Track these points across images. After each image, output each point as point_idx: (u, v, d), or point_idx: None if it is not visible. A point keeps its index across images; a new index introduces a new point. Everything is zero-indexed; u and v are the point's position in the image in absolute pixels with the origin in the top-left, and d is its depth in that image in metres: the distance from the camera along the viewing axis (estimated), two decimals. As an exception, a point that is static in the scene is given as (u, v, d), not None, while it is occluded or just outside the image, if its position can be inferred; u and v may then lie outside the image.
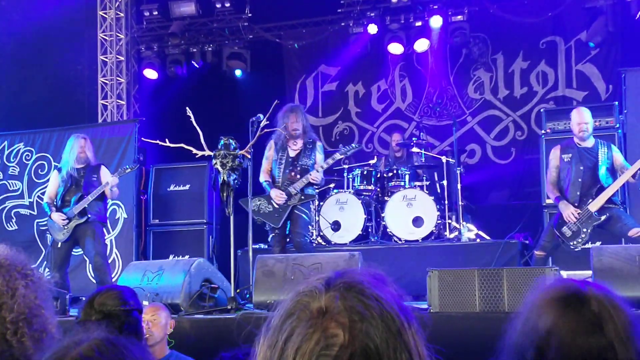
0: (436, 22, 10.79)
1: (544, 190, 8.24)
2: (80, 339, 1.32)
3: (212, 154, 6.74)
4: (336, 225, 8.97)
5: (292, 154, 7.41)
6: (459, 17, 10.83)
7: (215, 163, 6.70)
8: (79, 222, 7.65)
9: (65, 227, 7.64)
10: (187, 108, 7.01)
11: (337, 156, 7.72)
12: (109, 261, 8.49)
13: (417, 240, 8.78)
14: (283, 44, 11.96)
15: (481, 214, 9.87)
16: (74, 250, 8.01)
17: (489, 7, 10.60)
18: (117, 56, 11.70)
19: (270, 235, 7.46)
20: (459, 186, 9.08)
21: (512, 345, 1.65)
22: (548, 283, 1.70)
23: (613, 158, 6.90)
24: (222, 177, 6.68)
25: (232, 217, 6.82)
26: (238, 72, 11.86)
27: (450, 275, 5.70)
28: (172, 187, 9.85)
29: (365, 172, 9.22)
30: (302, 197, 7.30)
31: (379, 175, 9.34)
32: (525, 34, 10.93)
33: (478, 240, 8.94)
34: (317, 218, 8.95)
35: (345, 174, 9.43)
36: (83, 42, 11.86)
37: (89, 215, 7.65)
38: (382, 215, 9.02)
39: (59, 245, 7.71)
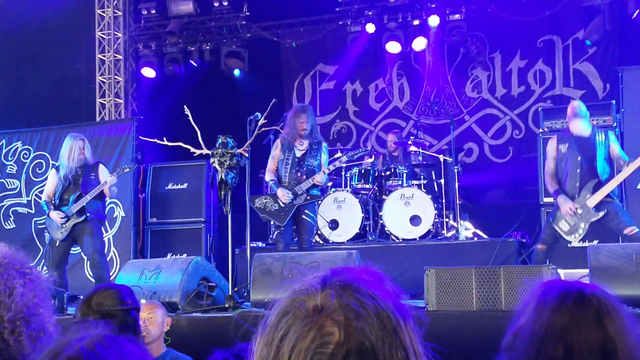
0: (434, 21, 10.79)
1: (542, 189, 8.25)
2: (82, 335, 1.33)
3: (210, 152, 6.74)
4: (334, 224, 8.98)
5: (298, 154, 7.42)
6: (457, 16, 10.84)
7: (213, 161, 6.71)
8: (78, 221, 7.64)
9: (64, 226, 7.64)
10: (185, 107, 7.01)
11: (344, 159, 7.77)
12: (107, 259, 8.49)
13: (415, 239, 8.79)
14: (281, 43, 11.97)
15: (478, 213, 9.88)
16: (72, 248, 8.01)
17: (487, 6, 10.61)
18: (115, 55, 11.70)
19: (275, 233, 7.47)
20: (456, 185, 9.09)
21: (519, 343, 1.74)
22: (549, 284, 1.80)
23: (610, 147, 6.88)
24: (219, 176, 6.69)
25: (229, 216, 6.82)
26: (236, 72, 11.86)
27: (447, 273, 5.71)
28: (170, 186, 9.85)
29: (363, 171, 9.22)
30: (308, 198, 7.31)
31: (376, 174, 9.34)
32: (522, 33, 10.94)
33: (475, 238, 8.95)
34: (314, 217, 8.96)
35: (343, 173, 9.43)
36: (81, 40, 11.85)
37: (88, 214, 7.65)
38: (380, 213, 9.03)
39: (57, 244, 7.71)
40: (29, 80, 11.60)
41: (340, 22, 11.46)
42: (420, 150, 9.64)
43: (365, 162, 9.45)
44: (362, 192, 9.28)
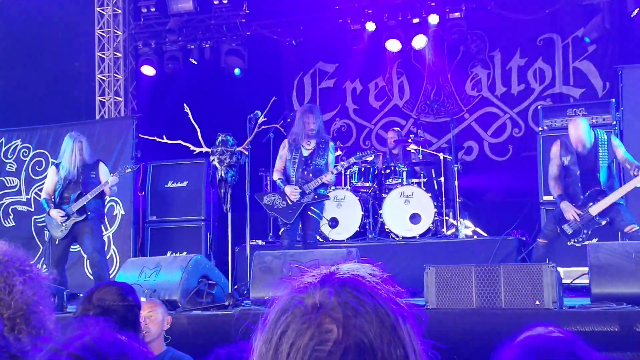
0: (434, 19, 10.79)
1: (541, 187, 8.26)
2: (83, 331, 1.33)
3: (209, 150, 6.75)
4: (334, 222, 8.98)
5: (305, 153, 7.44)
6: (457, 14, 10.84)
7: (213, 159, 6.72)
8: (78, 220, 7.64)
9: (64, 224, 7.64)
10: (185, 104, 7.01)
11: (352, 160, 7.84)
12: (107, 257, 8.49)
13: (415, 237, 8.80)
14: (281, 41, 11.96)
15: (478, 211, 9.88)
16: (71, 246, 8.01)
17: (487, 4, 10.61)
18: (115, 53, 11.69)
19: (282, 230, 7.49)
20: (456, 183, 9.09)
21: None
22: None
23: (615, 152, 6.86)
24: (219, 174, 6.70)
25: (229, 214, 6.83)
26: (237, 71, 11.85)
27: (447, 271, 5.71)
28: (169, 184, 9.85)
29: (362, 169, 9.22)
30: (315, 197, 7.34)
31: (376, 172, 9.35)
32: (522, 31, 10.94)
33: (475, 237, 8.96)
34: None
35: (342, 171, 9.43)
36: (81, 38, 11.84)
37: (88, 213, 7.65)
38: (380, 212, 9.03)
39: (57, 242, 7.71)
40: (29, 78, 11.59)
41: (340, 20, 11.45)
42: (420, 149, 9.65)
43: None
44: (362, 190, 9.29)
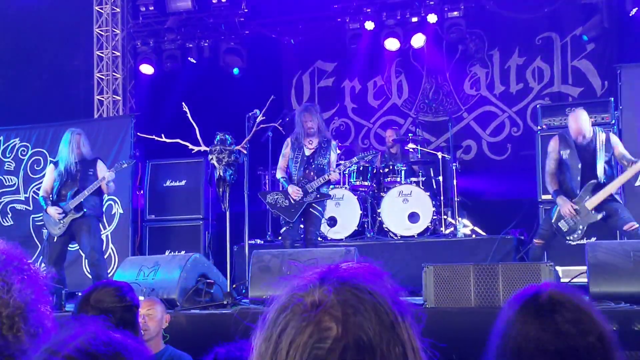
0: (432, 18, 10.78)
1: (540, 186, 8.26)
2: (77, 331, 1.32)
3: (208, 149, 6.75)
4: (332, 221, 8.98)
5: (307, 152, 7.47)
6: (455, 13, 10.82)
7: (212, 158, 6.72)
8: (75, 217, 7.64)
9: (61, 222, 7.63)
10: (183, 103, 7.01)
11: (355, 161, 7.87)
12: (105, 256, 8.49)
13: (413, 236, 8.81)
14: (279, 40, 11.96)
15: (477, 210, 9.88)
16: (70, 245, 8.01)
17: (485, 3, 10.61)
18: (113, 51, 11.68)
19: (284, 228, 7.51)
20: (454, 182, 9.10)
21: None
22: (522, 293, 1.76)
23: (613, 148, 6.86)
24: (218, 173, 6.70)
25: (228, 213, 6.83)
26: (235, 71, 11.85)
27: (445, 270, 5.72)
28: (168, 183, 9.85)
29: (361, 168, 9.22)
30: (318, 196, 7.36)
31: (375, 171, 9.35)
32: (521, 30, 10.94)
33: (473, 235, 8.97)
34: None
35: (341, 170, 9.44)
36: (79, 37, 11.83)
37: (85, 210, 7.65)
38: (378, 211, 9.04)
39: (55, 240, 7.71)
40: (27, 77, 11.58)
41: (339, 19, 11.44)
42: (419, 148, 9.65)
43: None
44: (361, 189, 9.29)
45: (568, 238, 6.83)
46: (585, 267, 5.83)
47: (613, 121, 8.23)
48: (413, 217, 8.85)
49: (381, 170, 9.37)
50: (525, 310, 1.69)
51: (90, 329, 1.33)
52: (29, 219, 10.10)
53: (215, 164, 6.68)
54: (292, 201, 7.35)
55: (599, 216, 6.70)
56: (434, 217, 8.88)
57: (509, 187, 10.57)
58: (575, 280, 6.67)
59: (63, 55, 11.75)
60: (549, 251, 7.17)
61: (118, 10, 11.73)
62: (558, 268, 6.48)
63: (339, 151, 9.23)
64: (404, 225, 8.85)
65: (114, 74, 11.68)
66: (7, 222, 10.27)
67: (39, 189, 9.16)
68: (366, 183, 9.26)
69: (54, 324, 1.71)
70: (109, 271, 8.28)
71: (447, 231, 8.98)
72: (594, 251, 5.74)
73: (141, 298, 4.80)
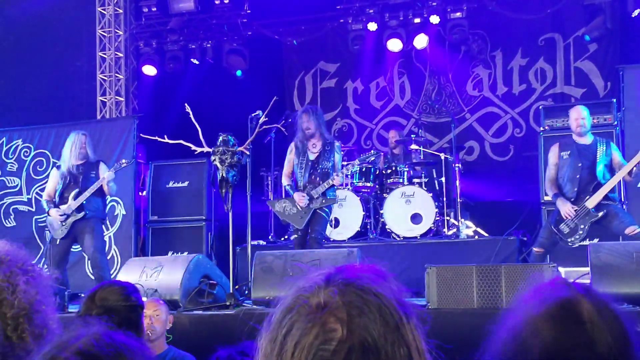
0: (435, 19, 10.78)
1: (542, 187, 8.25)
2: (79, 333, 1.33)
3: (211, 150, 6.75)
4: (335, 222, 8.98)
5: (311, 157, 7.47)
6: (458, 14, 10.82)
7: (214, 159, 6.72)
8: (77, 218, 7.65)
9: (64, 224, 7.64)
10: (186, 104, 7.02)
11: (357, 163, 7.88)
12: (108, 257, 8.50)
13: (416, 237, 8.80)
14: (282, 41, 11.97)
15: (479, 211, 9.87)
16: (73, 247, 8.02)
17: (488, 4, 10.61)
18: (116, 52, 11.69)
19: (293, 236, 7.55)
20: (457, 183, 9.10)
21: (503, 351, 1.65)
22: (542, 292, 1.69)
23: (612, 156, 6.89)
24: (220, 174, 6.70)
25: (230, 214, 6.84)
26: (238, 73, 11.86)
27: (448, 271, 5.71)
28: (171, 184, 9.84)
29: (364, 169, 9.22)
30: (324, 201, 7.38)
31: (377, 172, 9.34)
32: (524, 31, 10.93)
33: (476, 237, 8.96)
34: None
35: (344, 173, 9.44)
36: (82, 38, 11.84)
37: (87, 212, 7.65)
38: (381, 212, 9.04)
39: (58, 242, 7.72)
40: (30, 78, 11.58)
41: (342, 20, 11.45)
42: (421, 149, 9.65)
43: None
44: (363, 190, 9.29)
45: (570, 240, 6.82)
46: (587, 268, 5.82)
47: (615, 122, 8.23)
48: (416, 218, 8.84)
49: (384, 172, 9.37)
50: (553, 317, 1.60)
51: (93, 330, 1.34)
52: (32, 220, 10.11)
53: (218, 165, 6.68)
54: (299, 208, 7.37)
55: (600, 214, 6.69)
56: (437, 218, 8.88)
57: (511, 189, 10.56)
58: (578, 281, 6.65)
59: (66, 57, 11.76)
60: (551, 253, 7.16)
61: (121, 11, 11.74)
62: (560, 269, 6.47)
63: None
64: (406, 226, 8.84)
65: (116, 75, 11.69)
66: (10, 223, 10.27)
67: (42, 190, 9.17)
68: (369, 184, 9.25)
69: (58, 324, 1.71)
70: (111, 272, 8.28)
71: (450, 232, 8.97)
72: (597, 252, 5.73)
73: (144, 299, 4.81)
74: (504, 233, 8.46)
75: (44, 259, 8.15)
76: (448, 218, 9.12)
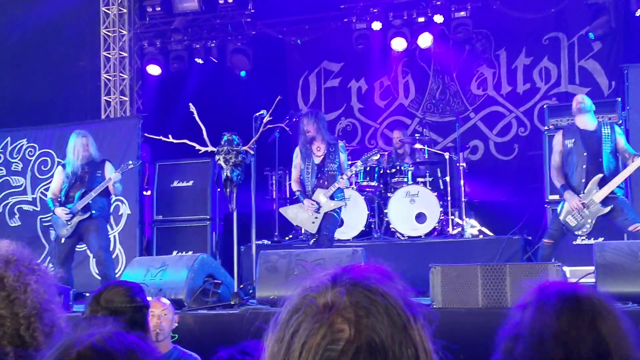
0: (439, 18, 10.78)
1: (547, 186, 8.24)
2: (92, 330, 1.34)
3: (215, 149, 6.76)
4: (339, 222, 8.98)
5: (317, 160, 7.52)
6: (462, 13, 10.82)
7: (219, 159, 6.72)
8: (83, 218, 7.67)
9: (69, 223, 7.66)
10: (190, 104, 7.03)
11: (359, 164, 7.89)
12: (113, 257, 8.51)
13: (420, 237, 8.80)
14: (286, 40, 11.97)
15: (484, 210, 9.87)
16: (78, 246, 8.03)
17: (492, 3, 10.60)
18: (120, 52, 11.71)
19: (312, 240, 7.61)
20: (461, 182, 9.10)
21: (518, 346, 1.76)
22: (546, 286, 1.82)
23: (616, 141, 6.86)
24: (225, 173, 6.70)
25: (235, 213, 6.84)
26: (242, 73, 11.87)
27: (453, 271, 5.72)
28: (175, 183, 9.86)
29: (368, 169, 9.22)
30: (332, 205, 7.43)
31: (382, 172, 9.35)
32: (528, 30, 10.92)
33: (481, 236, 8.96)
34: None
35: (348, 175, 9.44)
36: (86, 38, 11.86)
37: (93, 211, 7.68)
38: (385, 211, 9.04)
39: (63, 241, 7.74)
40: (34, 78, 11.60)
41: (345, 20, 11.44)
42: (426, 148, 9.64)
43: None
44: (368, 189, 9.30)
45: (577, 233, 6.83)
46: (592, 268, 5.82)
47: (620, 121, 8.21)
48: (420, 217, 8.84)
49: (388, 171, 9.37)
50: (567, 313, 1.73)
51: (106, 328, 1.35)
52: (37, 219, 10.13)
53: (223, 164, 6.69)
54: (311, 213, 7.41)
55: (607, 209, 6.69)
56: (441, 218, 8.88)
57: (516, 188, 10.55)
58: (582, 280, 6.67)
59: (70, 56, 11.78)
60: (556, 251, 7.16)
61: (125, 11, 11.76)
62: (565, 268, 6.48)
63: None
64: (411, 225, 8.84)
65: (121, 74, 11.71)
66: (15, 222, 10.30)
67: (46, 189, 9.19)
68: (373, 183, 9.26)
69: (67, 323, 1.73)
70: (116, 272, 8.30)
71: (454, 231, 8.97)
72: (602, 251, 5.73)
73: (149, 298, 4.83)
74: (509, 232, 8.46)
75: (48, 258, 8.18)
76: (452, 217, 9.12)
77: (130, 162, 8.13)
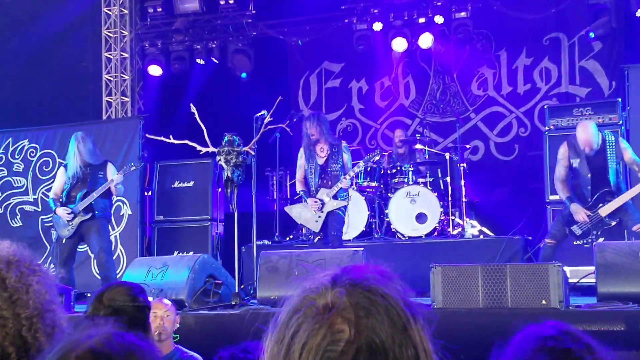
0: (440, 18, 10.78)
1: (547, 186, 8.24)
2: (91, 332, 1.34)
3: (216, 150, 6.77)
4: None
5: (320, 161, 7.58)
6: (463, 14, 10.82)
7: (220, 159, 6.73)
8: (84, 219, 7.68)
9: (70, 223, 7.67)
10: (191, 104, 7.04)
11: (361, 164, 7.93)
12: (114, 257, 8.52)
13: (421, 237, 8.81)
14: (287, 41, 11.97)
15: (484, 211, 9.88)
16: (79, 246, 8.04)
17: (493, 4, 10.60)
18: (122, 53, 11.73)
19: (316, 239, 7.74)
20: (462, 183, 9.10)
21: None
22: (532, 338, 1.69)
23: (622, 155, 6.84)
24: (226, 174, 6.71)
25: (236, 213, 6.85)
26: (243, 75, 11.88)
27: (453, 271, 5.72)
28: (176, 184, 9.87)
29: (368, 169, 9.23)
30: (335, 204, 7.48)
31: (382, 172, 9.36)
32: (528, 31, 10.92)
33: (481, 236, 8.96)
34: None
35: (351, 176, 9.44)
36: (87, 39, 11.88)
37: (95, 212, 7.69)
38: (386, 211, 9.04)
39: (64, 241, 7.75)
40: (36, 79, 11.62)
41: (346, 20, 11.45)
42: (426, 148, 9.65)
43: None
44: (368, 189, 9.30)
45: (582, 241, 6.84)
46: (593, 268, 5.82)
47: (621, 122, 8.21)
48: (421, 217, 8.85)
49: (389, 171, 9.38)
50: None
51: (104, 330, 1.36)
52: (38, 220, 10.14)
53: (223, 165, 6.70)
54: (314, 212, 7.44)
55: (613, 223, 6.72)
56: (442, 218, 8.88)
57: (516, 188, 10.56)
58: (583, 280, 6.68)
59: (71, 57, 11.80)
60: (557, 252, 7.16)
61: (126, 12, 11.77)
62: (566, 269, 6.46)
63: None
64: (411, 225, 8.85)
65: (122, 75, 11.72)
66: (16, 223, 10.31)
67: (48, 190, 9.20)
68: (374, 184, 9.27)
69: (68, 323, 1.73)
70: (117, 272, 8.31)
71: (455, 232, 8.98)
72: (602, 252, 5.74)
73: (150, 299, 4.83)
74: (509, 232, 8.46)
75: (50, 258, 8.18)
76: (453, 217, 9.13)
77: (132, 164, 8.15)
